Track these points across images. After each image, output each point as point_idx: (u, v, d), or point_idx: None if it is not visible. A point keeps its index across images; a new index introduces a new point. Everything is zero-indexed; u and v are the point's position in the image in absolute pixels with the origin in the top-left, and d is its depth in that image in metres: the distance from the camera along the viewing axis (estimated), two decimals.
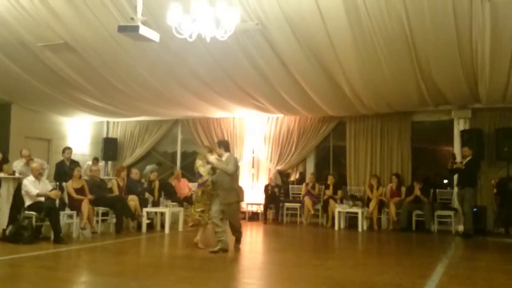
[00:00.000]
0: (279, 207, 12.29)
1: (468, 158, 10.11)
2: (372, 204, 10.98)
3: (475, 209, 10.29)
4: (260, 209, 12.70)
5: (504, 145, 10.26)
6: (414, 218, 10.71)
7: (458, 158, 10.43)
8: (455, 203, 10.64)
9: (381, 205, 11.14)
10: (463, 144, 10.49)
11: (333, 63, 8.69)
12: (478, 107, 10.82)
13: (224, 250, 7.20)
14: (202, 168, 7.63)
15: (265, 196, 12.34)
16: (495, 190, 10.83)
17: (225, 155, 7.45)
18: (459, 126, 11.09)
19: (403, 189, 11.17)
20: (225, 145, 7.68)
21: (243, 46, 8.36)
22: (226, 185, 7.26)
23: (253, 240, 9.96)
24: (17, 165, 9.59)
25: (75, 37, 8.54)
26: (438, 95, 10.16)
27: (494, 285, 5.43)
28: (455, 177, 10.65)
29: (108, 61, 9.39)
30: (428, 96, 10.11)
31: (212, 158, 7.40)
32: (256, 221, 12.57)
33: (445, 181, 11.92)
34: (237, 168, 7.55)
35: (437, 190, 11.21)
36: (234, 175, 7.43)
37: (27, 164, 9.44)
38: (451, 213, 10.64)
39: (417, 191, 10.66)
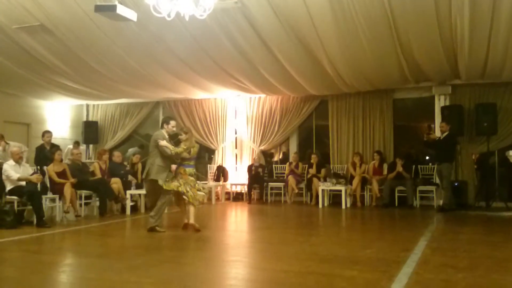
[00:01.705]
0: (263, 187, 12.32)
1: (445, 133, 10.17)
2: (355, 182, 11.08)
3: (456, 184, 10.45)
4: (244, 189, 12.75)
5: (484, 120, 10.38)
6: (396, 194, 10.84)
7: (438, 134, 10.54)
8: (437, 179, 10.78)
9: (364, 182, 11.24)
10: (444, 120, 10.59)
11: (314, 41, 8.66)
12: (458, 83, 10.93)
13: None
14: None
15: (249, 176, 12.35)
16: (475, 165, 11.02)
17: None
18: (440, 102, 11.20)
19: (385, 166, 11.27)
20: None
21: (222, 25, 8.27)
22: None
23: (238, 219, 9.99)
24: None
25: (50, 18, 8.36)
26: (419, 72, 10.23)
27: (476, 256, 5.52)
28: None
29: (85, 42, 9.22)
30: (408, 73, 10.16)
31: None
32: (240, 201, 12.63)
33: (427, 157, 12.07)
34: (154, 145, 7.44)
35: (419, 166, 11.34)
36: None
37: (4, 148, 9.28)
38: (432, 188, 10.80)
39: (399, 168, 10.77)
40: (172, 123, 7.55)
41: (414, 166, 11.15)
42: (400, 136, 12.00)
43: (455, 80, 10.81)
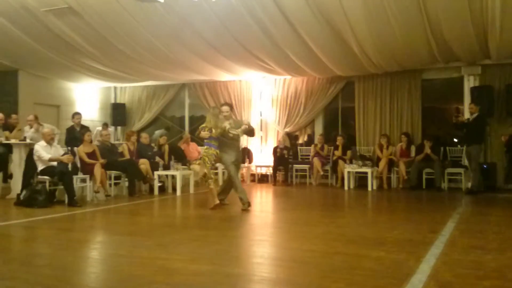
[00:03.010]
0: (288, 169, 12.34)
1: (475, 115, 9.98)
2: (382, 164, 10.99)
3: (485, 166, 10.28)
4: (269, 171, 12.78)
5: None
6: (424, 177, 10.73)
7: (467, 115, 10.36)
8: (466, 161, 10.62)
9: (391, 164, 11.14)
10: (473, 101, 10.39)
11: (341, 21, 8.55)
12: (488, 63, 10.69)
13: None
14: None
15: (274, 158, 12.38)
16: (505, 147, 10.79)
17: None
18: (469, 83, 10.97)
19: (413, 148, 11.14)
20: None
21: (248, 5, 8.23)
22: None
23: (263, 201, 10.05)
24: (28, 131, 9.65)
25: (78, 1, 8.44)
26: (448, 52, 10.02)
27: (505, 238, 5.46)
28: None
29: (113, 24, 9.30)
30: (437, 53, 9.97)
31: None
32: (265, 183, 12.68)
33: (455, 139, 11.88)
34: None
35: (448, 148, 11.18)
36: None
37: (37, 130, 9.49)
38: (461, 170, 10.64)
39: (427, 150, 10.62)
40: (223, 108, 8.00)
41: (442, 148, 11.00)
42: (428, 118, 11.81)
43: (485, 60, 10.57)
